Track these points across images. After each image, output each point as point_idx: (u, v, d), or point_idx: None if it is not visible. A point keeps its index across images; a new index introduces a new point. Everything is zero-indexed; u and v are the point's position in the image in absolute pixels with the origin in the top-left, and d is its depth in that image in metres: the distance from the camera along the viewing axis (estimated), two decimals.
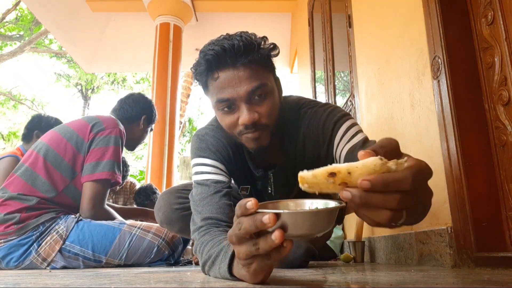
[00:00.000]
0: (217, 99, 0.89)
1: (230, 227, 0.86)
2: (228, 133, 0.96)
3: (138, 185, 3.12)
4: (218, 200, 0.93)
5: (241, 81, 0.87)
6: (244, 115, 0.87)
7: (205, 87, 0.94)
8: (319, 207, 0.59)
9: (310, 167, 1.10)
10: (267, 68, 0.92)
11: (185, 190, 1.32)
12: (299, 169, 0.99)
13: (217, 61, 0.87)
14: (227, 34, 0.91)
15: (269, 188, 1.12)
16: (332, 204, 0.58)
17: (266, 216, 0.54)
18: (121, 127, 1.67)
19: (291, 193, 1.14)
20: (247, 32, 0.92)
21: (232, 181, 1.09)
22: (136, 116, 1.84)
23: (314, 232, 0.56)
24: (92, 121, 1.64)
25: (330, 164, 0.51)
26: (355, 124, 0.99)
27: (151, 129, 1.96)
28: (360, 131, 0.97)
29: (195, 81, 0.96)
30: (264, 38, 0.92)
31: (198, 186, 0.97)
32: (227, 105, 0.89)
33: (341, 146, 0.95)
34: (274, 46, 0.93)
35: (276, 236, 0.53)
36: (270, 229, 0.55)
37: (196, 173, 1.00)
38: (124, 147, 1.88)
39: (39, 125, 2.19)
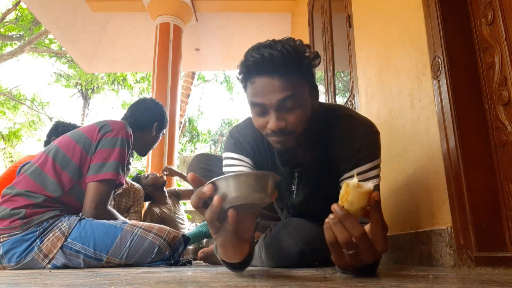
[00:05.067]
0: (250, 101, 0.97)
1: None
2: (258, 130, 1.04)
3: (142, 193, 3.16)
4: None
5: (274, 90, 0.91)
6: (272, 122, 0.94)
7: (244, 87, 1.01)
8: None
9: (332, 173, 1.15)
10: (304, 77, 0.96)
11: (215, 158, 1.46)
12: (324, 172, 1.12)
13: (255, 68, 0.92)
14: (273, 40, 0.94)
15: (293, 186, 1.17)
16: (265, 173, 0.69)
17: (204, 186, 0.66)
18: (129, 129, 1.69)
19: (314, 193, 1.17)
20: (292, 39, 0.94)
21: None
22: (148, 123, 1.86)
23: (246, 194, 0.65)
24: (101, 124, 1.67)
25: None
26: (376, 166, 1.05)
27: (163, 134, 1.99)
28: (376, 176, 1.04)
29: (238, 79, 1.02)
30: (308, 46, 0.96)
31: None
32: (258, 108, 0.96)
33: (349, 175, 1.05)
34: (316, 56, 0.97)
35: (214, 200, 0.65)
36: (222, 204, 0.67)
37: (225, 165, 1.13)
38: (135, 152, 1.90)
39: (55, 131, 2.30)
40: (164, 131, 1.98)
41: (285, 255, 1.20)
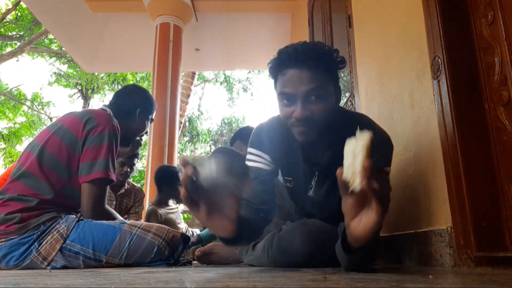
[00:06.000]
0: (280, 91, 1.06)
1: (259, 208, 1.14)
2: (283, 123, 1.13)
3: (145, 199, 3.14)
4: (254, 186, 1.15)
5: (302, 81, 1.02)
6: (298, 110, 1.03)
7: (275, 80, 1.10)
8: None
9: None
10: (330, 75, 1.07)
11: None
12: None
13: (288, 60, 1.03)
14: (305, 41, 1.06)
15: (312, 183, 1.24)
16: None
17: (188, 168, 0.79)
18: (115, 121, 1.63)
19: (329, 194, 1.21)
20: (323, 43, 1.08)
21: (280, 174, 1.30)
22: (131, 109, 1.78)
23: (212, 172, 0.79)
24: (85, 117, 1.59)
25: None
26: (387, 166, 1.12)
27: (152, 120, 1.89)
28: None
29: (269, 74, 1.11)
30: (336, 51, 1.08)
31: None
32: (287, 98, 1.05)
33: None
34: (342, 60, 1.08)
35: (182, 193, 0.81)
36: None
37: (247, 159, 1.24)
38: (121, 141, 1.82)
39: None
40: (151, 117, 1.87)
41: (295, 252, 1.21)
